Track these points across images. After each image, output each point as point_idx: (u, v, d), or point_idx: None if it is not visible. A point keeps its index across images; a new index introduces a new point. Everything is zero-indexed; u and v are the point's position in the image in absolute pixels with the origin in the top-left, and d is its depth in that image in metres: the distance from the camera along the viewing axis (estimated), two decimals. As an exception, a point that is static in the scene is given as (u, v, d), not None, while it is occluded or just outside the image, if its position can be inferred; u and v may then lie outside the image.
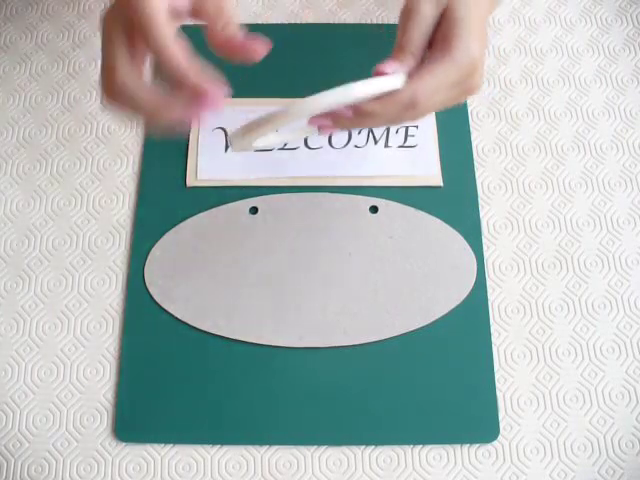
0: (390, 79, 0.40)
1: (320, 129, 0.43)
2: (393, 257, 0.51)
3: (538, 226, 0.53)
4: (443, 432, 0.46)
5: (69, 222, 0.53)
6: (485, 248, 0.52)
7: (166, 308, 0.49)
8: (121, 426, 0.46)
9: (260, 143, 0.45)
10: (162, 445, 0.46)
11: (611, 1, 0.63)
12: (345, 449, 0.46)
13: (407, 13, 0.43)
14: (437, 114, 0.55)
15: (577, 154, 0.56)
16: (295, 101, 0.39)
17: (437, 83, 0.41)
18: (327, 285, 0.50)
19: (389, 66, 0.41)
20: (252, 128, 0.41)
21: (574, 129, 0.57)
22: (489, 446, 0.46)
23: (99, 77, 0.40)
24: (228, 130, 0.55)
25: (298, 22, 0.61)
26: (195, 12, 0.41)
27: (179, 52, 0.38)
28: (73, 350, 0.49)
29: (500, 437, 0.46)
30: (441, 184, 0.54)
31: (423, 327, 0.49)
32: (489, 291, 0.51)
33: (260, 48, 0.39)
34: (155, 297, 0.50)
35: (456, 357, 0.48)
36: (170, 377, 0.48)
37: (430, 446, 0.46)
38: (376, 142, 0.55)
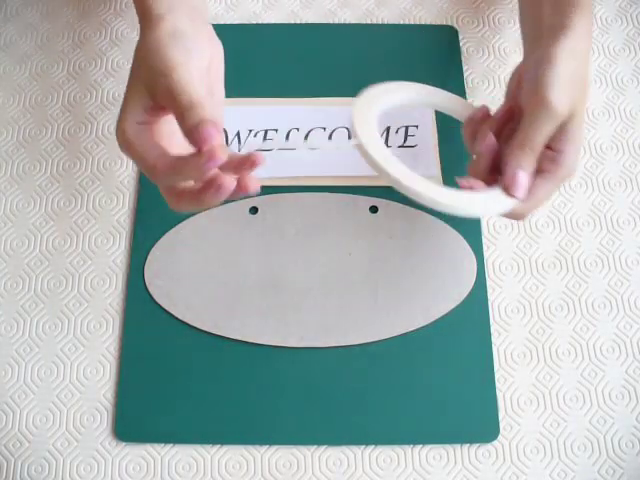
0: (509, 206, 0.42)
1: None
2: (393, 257, 0.51)
3: (538, 226, 0.53)
4: (443, 432, 0.46)
5: (69, 222, 0.53)
6: (485, 248, 0.52)
7: (166, 308, 0.49)
8: (121, 426, 0.46)
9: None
10: (162, 445, 0.46)
11: (611, 1, 0.63)
12: (345, 449, 0.46)
13: (540, 107, 0.40)
14: (436, 113, 0.55)
15: (577, 154, 0.56)
16: (407, 175, 0.40)
17: (544, 198, 0.43)
18: (327, 285, 0.50)
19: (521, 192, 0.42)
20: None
21: (574, 129, 0.57)
22: (489, 446, 0.46)
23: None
24: (227, 129, 0.55)
25: (298, 22, 0.61)
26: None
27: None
28: (73, 350, 0.49)
29: (500, 437, 0.46)
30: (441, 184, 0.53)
31: (423, 327, 0.49)
32: (489, 291, 0.51)
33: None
34: (155, 297, 0.50)
35: (456, 357, 0.48)
36: (170, 377, 0.48)
37: (430, 446, 0.46)
38: (376, 142, 0.55)
